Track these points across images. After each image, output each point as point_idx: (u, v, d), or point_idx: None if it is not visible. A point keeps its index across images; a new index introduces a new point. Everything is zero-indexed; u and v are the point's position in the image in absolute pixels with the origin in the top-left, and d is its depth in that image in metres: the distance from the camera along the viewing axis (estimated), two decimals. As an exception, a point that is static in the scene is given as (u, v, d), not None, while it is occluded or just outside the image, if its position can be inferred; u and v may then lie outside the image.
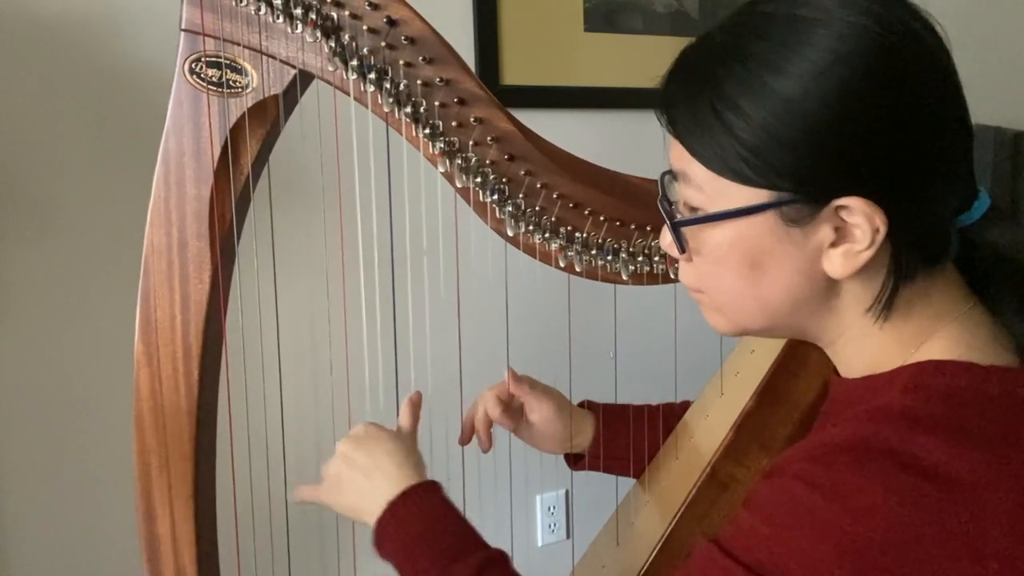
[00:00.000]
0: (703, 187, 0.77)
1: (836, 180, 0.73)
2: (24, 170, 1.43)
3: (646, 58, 1.93)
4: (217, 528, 1.08)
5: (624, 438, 1.20)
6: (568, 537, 2.00)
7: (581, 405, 1.23)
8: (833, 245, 0.75)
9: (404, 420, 1.05)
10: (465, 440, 1.17)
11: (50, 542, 1.52)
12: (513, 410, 1.18)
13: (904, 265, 0.76)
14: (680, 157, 0.79)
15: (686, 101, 0.78)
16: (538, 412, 1.18)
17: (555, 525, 2.01)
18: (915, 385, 0.75)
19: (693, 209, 0.79)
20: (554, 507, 2.00)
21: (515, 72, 1.76)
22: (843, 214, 0.74)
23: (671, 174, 0.83)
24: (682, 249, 0.81)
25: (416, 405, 1.06)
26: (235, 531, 1.05)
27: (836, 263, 0.76)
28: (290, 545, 1.11)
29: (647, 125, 1.88)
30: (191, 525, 1.03)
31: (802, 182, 0.73)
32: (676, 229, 0.80)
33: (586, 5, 1.86)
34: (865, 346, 0.81)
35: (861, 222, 0.73)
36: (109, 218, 1.49)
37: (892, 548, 0.67)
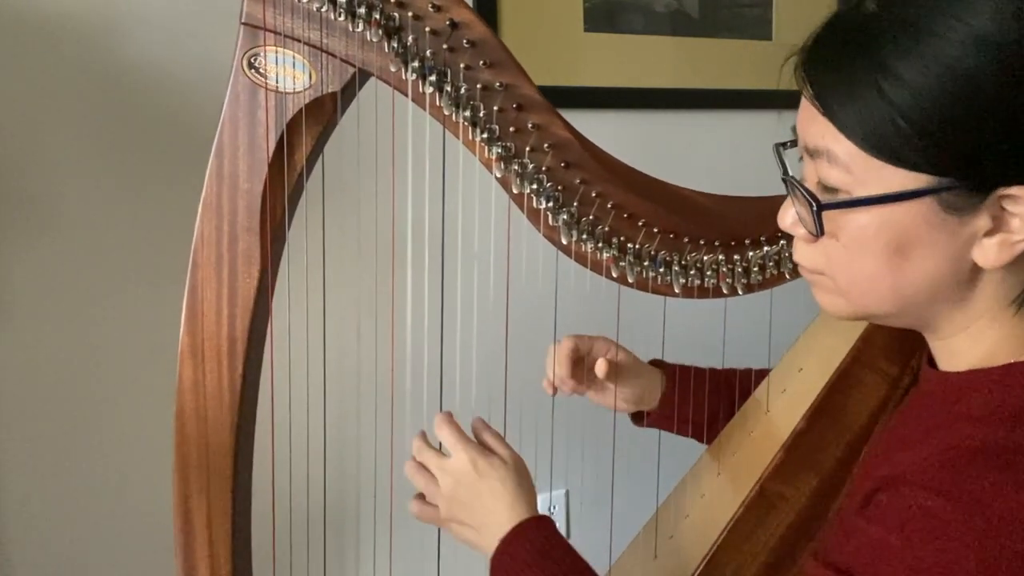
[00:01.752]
0: (851, 167, 0.72)
1: (1006, 166, 0.69)
2: (24, 170, 1.43)
3: (646, 58, 1.92)
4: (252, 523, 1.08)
5: (696, 400, 1.19)
6: (568, 537, 1.98)
7: (654, 363, 1.22)
8: (988, 234, 0.71)
9: (503, 451, 1.02)
10: (552, 390, 1.17)
11: (50, 542, 1.52)
12: (586, 366, 1.17)
13: None
14: (822, 134, 0.73)
15: (839, 72, 0.72)
16: (615, 371, 1.16)
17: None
18: None
19: (831, 189, 0.75)
20: (554, 507, 1.99)
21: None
22: (1005, 203, 0.70)
23: (785, 147, 0.80)
24: (821, 232, 0.76)
25: (492, 431, 1.04)
26: (272, 527, 1.05)
27: (990, 253, 0.72)
28: (326, 542, 1.11)
29: (647, 125, 1.89)
30: (228, 519, 1.03)
31: (969, 167, 0.69)
32: (819, 213, 0.75)
33: (586, 5, 1.85)
34: (985, 338, 0.77)
35: None
36: (110, 218, 1.49)
37: None
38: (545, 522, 0.97)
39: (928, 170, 0.70)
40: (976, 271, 0.74)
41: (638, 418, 1.24)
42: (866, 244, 0.74)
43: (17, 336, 1.46)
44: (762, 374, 1.19)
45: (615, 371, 1.17)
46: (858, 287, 0.77)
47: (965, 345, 0.79)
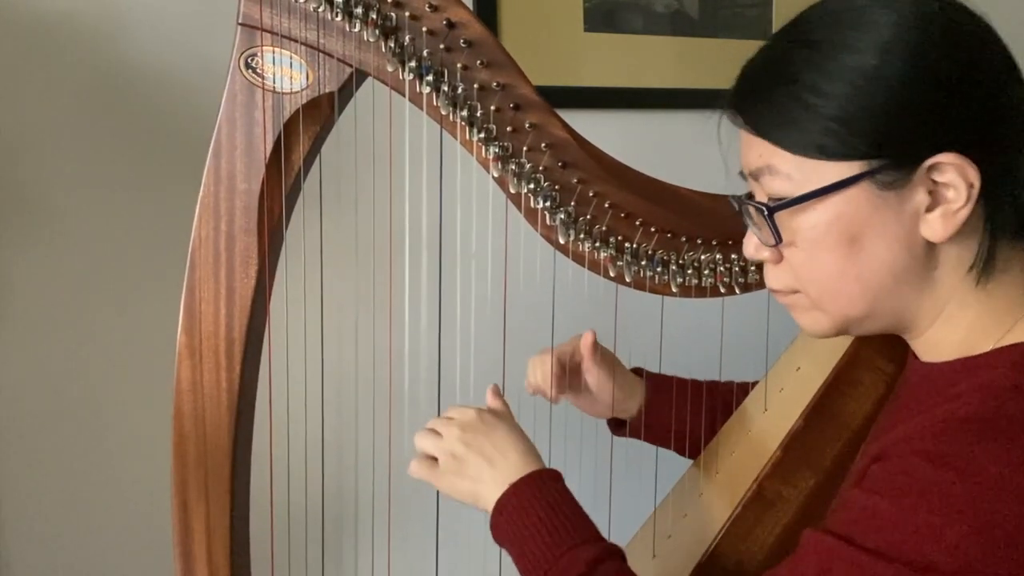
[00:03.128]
0: (791, 174, 0.79)
1: (924, 138, 0.75)
2: (23, 170, 1.43)
3: (646, 58, 1.92)
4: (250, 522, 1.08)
5: (670, 409, 1.19)
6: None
7: (634, 371, 1.23)
8: (929, 209, 0.77)
9: (502, 408, 1.03)
10: (532, 391, 1.18)
11: (49, 542, 1.52)
12: (570, 370, 1.18)
13: (1000, 220, 0.78)
14: (762, 154, 0.81)
15: (765, 97, 0.81)
16: (592, 375, 1.18)
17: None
18: None
19: (779, 200, 0.80)
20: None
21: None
22: (935, 175, 0.76)
23: (747, 175, 0.85)
24: (779, 238, 0.81)
25: (500, 396, 1.05)
26: (270, 527, 1.05)
27: (936, 226, 0.77)
28: (324, 541, 1.11)
29: (647, 125, 1.89)
30: (226, 519, 1.03)
31: (892, 146, 0.76)
32: (771, 217, 0.80)
33: (586, 5, 1.85)
34: (961, 322, 0.81)
35: (954, 179, 0.75)
36: (109, 218, 1.49)
37: None
38: (557, 476, 0.97)
39: (858, 157, 0.77)
40: (930, 250, 0.79)
41: (618, 426, 1.24)
42: (821, 241, 0.79)
43: (16, 336, 1.46)
44: (744, 388, 1.20)
45: (598, 358, 1.18)
46: (827, 291, 0.82)
47: (943, 334, 0.83)
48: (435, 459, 1.00)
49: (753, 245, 0.86)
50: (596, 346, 1.18)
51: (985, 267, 0.79)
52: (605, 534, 0.93)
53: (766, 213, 0.81)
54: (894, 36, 0.76)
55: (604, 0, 1.87)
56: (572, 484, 0.96)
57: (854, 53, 0.76)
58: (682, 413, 1.18)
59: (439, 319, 1.06)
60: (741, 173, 0.87)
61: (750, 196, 0.87)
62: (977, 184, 0.75)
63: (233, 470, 1.02)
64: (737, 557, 0.95)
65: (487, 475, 0.96)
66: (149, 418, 1.43)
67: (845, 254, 0.79)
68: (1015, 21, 0.81)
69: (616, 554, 0.92)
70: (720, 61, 2.07)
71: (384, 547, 1.42)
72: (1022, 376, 0.74)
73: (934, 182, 0.76)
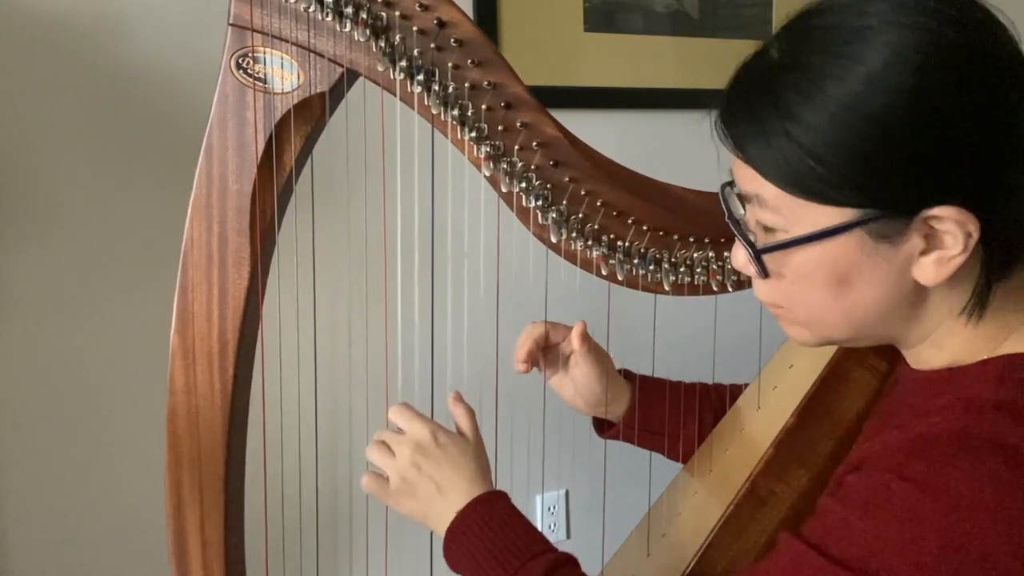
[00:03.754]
0: (780, 209, 0.76)
1: (921, 190, 0.71)
2: (22, 171, 1.43)
3: (646, 58, 1.93)
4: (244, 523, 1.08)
5: (660, 412, 1.18)
6: (568, 537, 2.00)
7: (620, 372, 1.21)
8: (924, 253, 0.74)
9: (465, 421, 1.03)
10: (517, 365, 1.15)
11: (45, 542, 1.52)
12: (558, 355, 1.16)
13: (998, 265, 0.75)
14: (751, 179, 0.77)
15: (750, 121, 0.76)
16: (580, 368, 1.15)
17: (555, 525, 2.01)
18: (1010, 377, 0.74)
19: (769, 230, 0.78)
20: (554, 507, 1.99)
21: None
22: (933, 222, 0.72)
23: (732, 187, 0.82)
24: (765, 274, 0.80)
25: (463, 402, 1.04)
26: (264, 526, 1.05)
27: (928, 271, 0.74)
28: (319, 543, 1.11)
29: (647, 125, 1.89)
30: (220, 519, 1.03)
31: (886, 197, 0.72)
32: (758, 256, 0.79)
33: (586, 5, 1.85)
34: (949, 344, 0.80)
35: (953, 229, 0.72)
36: (110, 217, 1.49)
37: (999, 543, 0.66)
38: (502, 497, 0.97)
39: (851, 204, 0.73)
40: (921, 288, 0.77)
41: (601, 427, 1.23)
42: (810, 278, 0.77)
43: (13, 336, 1.46)
44: (737, 390, 1.19)
45: (585, 350, 1.16)
46: (814, 318, 0.81)
47: (929, 353, 0.82)
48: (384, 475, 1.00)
49: (742, 259, 0.83)
50: (587, 337, 1.16)
51: (977, 307, 0.77)
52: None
53: (751, 253, 0.79)
54: (883, 66, 0.70)
55: (604, 0, 1.87)
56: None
57: (840, 83, 0.71)
58: (670, 416, 1.17)
59: (432, 318, 1.06)
60: (731, 170, 0.83)
61: (736, 196, 0.84)
62: (976, 235, 0.71)
63: (227, 471, 1.02)
64: (731, 555, 0.95)
65: (436, 502, 0.97)
66: (144, 419, 1.43)
67: (833, 292, 0.77)
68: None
69: (568, 561, 0.92)
70: (720, 61, 2.07)
71: (379, 546, 1.42)
72: (1003, 392, 0.73)
73: (931, 227, 0.72)
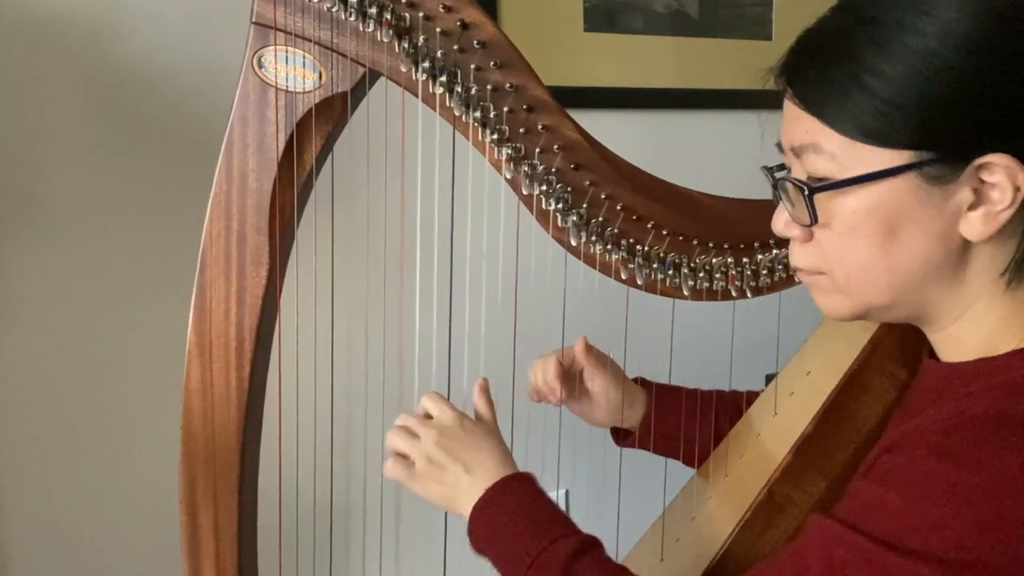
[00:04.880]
0: (836, 155, 0.77)
1: (978, 136, 0.73)
2: (28, 170, 1.43)
3: (646, 58, 1.92)
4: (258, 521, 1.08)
5: (676, 418, 1.19)
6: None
7: (635, 381, 1.22)
8: (971, 208, 0.75)
9: (485, 411, 1.04)
10: (536, 398, 1.17)
11: (50, 542, 1.52)
12: (569, 376, 1.17)
13: None
14: (808, 130, 0.78)
15: (819, 72, 0.77)
16: (596, 381, 1.17)
17: (555, 525, 1.99)
18: None
19: (820, 180, 0.78)
20: (553, 508, 1.98)
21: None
22: (983, 174, 0.74)
23: (786, 149, 0.83)
24: (815, 219, 0.79)
25: (487, 393, 1.05)
26: (279, 525, 1.05)
27: (975, 225, 0.75)
28: (332, 541, 1.11)
29: (647, 125, 1.88)
30: (234, 517, 1.03)
31: (944, 139, 0.73)
32: (811, 198, 0.78)
33: (586, 5, 1.85)
34: (985, 321, 0.80)
35: (1002, 180, 0.73)
36: (114, 218, 1.49)
37: None
38: (531, 479, 0.98)
39: (908, 146, 0.74)
40: (965, 248, 0.77)
41: (620, 436, 1.23)
42: (858, 228, 0.78)
43: (22, 336, 1.46)
44: (753, 396, 1.19)
45: (594, 361, 1.17)
46: (855, 278, 0.80)
47: (966, 331, 0.81)
48: (410, 460, 1.00)
49: (783, 221, 0.83)
50: (591, 349, 1.17)
51: (1018, 270, 0.78)
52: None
53: (806, 193, 0.78)
54: (959, 18, 0.73)
55: (604, 0, 1.87)
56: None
57: (916, 35, 0.73)
58: (686, 422, 1.17)
59: (449, 320, 1.06)
60: (779, 145, 0.84)
61: (781, 167, 0.85)
62: None
63: (241, 469, 1.02)
64: (747, 561, 0.95)
65: (464, 482, 0.97)
66: (158, 417, 1.43)
67: (880, 243, 0.77)
68: None
69: (595, 544, 0.93)
70: (720, 61, 2.09)
71: (392, 547, 1.42)
72: None
73: (981, 180, 0.74)
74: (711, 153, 1.91)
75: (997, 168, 0.73)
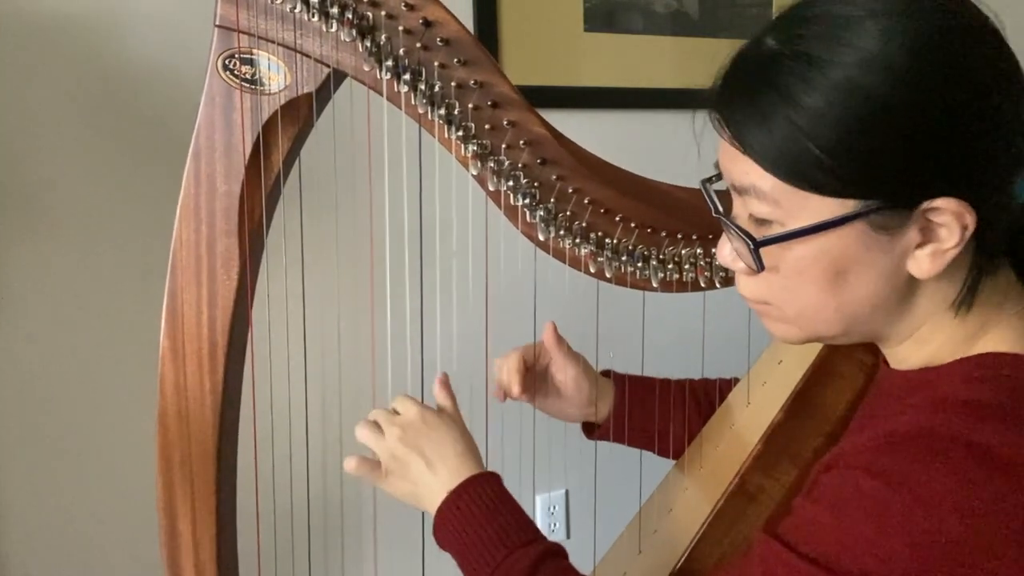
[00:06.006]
0: (779, 200, 0.75)
1: (922, 181, 0.72)
2: (19, 170, 1.43)
3: (646, 58, 1.93)
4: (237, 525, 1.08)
5: (646, 410, 1.18)
6: (568, 537, 2.00)
7: (604, 374, 1.21)
8: (919, 246, 0.74)
9: (447, 403, 1.04)
10: (502, 396, 1.16)
11: (50, 542, 1.52)
12: (538, 372, 1.16)
13: (988, 257, 0.76)
14: (746, 171, 0.76)
15: (750, 110, 0.75)
16: (568, 371, 1.16)
17: (555, 525, 2.01)
18: (979, 376, 0.75)
19: (763, 223, 0.77)
20: (554, 507, 2.00)
21: (515, 72, 1.73)
22: (930, 215, 0.72)
23: (712, 182, 0.83)
24: (761, 267, 0.78)
25: (448, 386, 1.05)
26: (256, 528, 1.05)
27: (923, 264, 0.74)
28: (311, 544, 1.11)
29: (647, 125, 1.89)
30: (212, 521, 1.03)
31: (890, 188, 0.72)
32: (757, 250, 0.77)
33: (586, 5, 1.86)
34: (932, 340, 0.80)
35: (949, 221, 0.72)
36: (104, 218, 1.49)
37: (966, 539, 0.66)
38: (495, 478, 0.98)
39: (853, 195, 0.72)
40: (913, 282, 0.77)
41: (589, 430, 1.22)
42: (805, 273, 0.77)
43: (16, 335, 1.46)
44: (726, 384, 1.20)
45: (565, 350, 1.16)
46: (804, 315, 0.80)
47: (911, 350, 0.82)
48: (376, 458, 1.01)
49: (728, 254, 0.82)
50: (560, 341, 1.16)
51: (966, 301, 0.78)
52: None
53: (751, 247, 0.77)
54: (882, 49, 0.70)
55: (604, 0, 1.87)
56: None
57: (842, 68, 0.71)
58: (660, 413, 1.17)
59: (421, 318, 1.06)
60: (716, 164, 0.83)
61: (719, 177, 0.84)
62: (972, 227, 0.72)
63: (219, 472, 1.02)
64: (721, 550, 0.96)
65: (426, 479, 0.97)
66: (136, 420, 1.43)
67: (828, 287, 0.76)
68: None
69: (558, 553, 0.93)
70: (720, 61, 2.08)
71: (371, 549, 1.42)
72: (973, 390, 0.73)
73: (928, 220, 0.73)
74: (711, 153, 1.91)
75: (945, 211, 0.72)
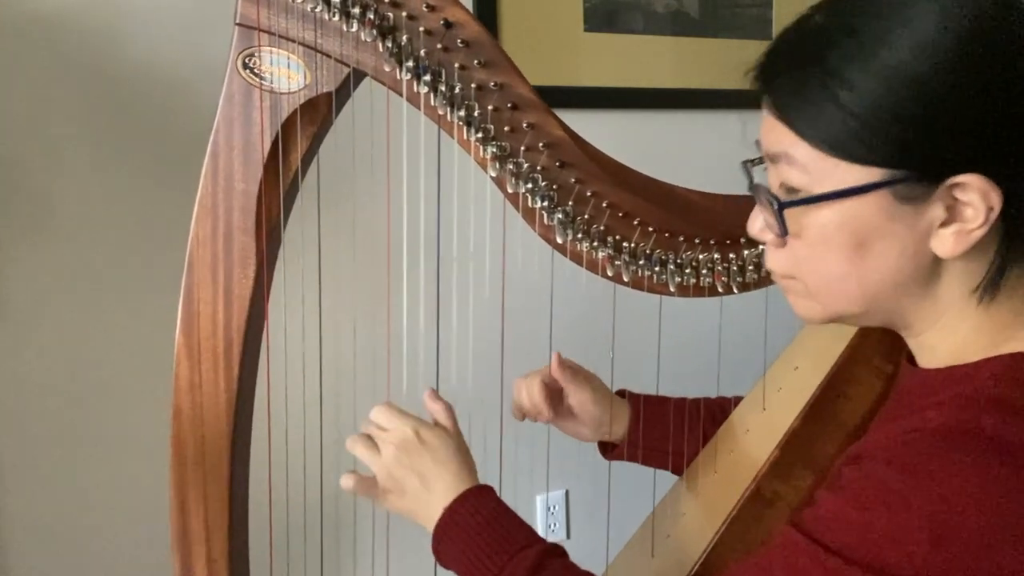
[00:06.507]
0: (808, 167, 0.76)
1: (953, 157, 0.72)
2: (23, 170, 1.43)
3: (646, 58, 1.93)
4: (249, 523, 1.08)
5: (662, 429, 1.19)
6: (568, 537, 2.00)
7: (619, 393, 1.22)
8: (943, 224, 0.74)
9: (443, 416, 1.03)
10: (521, 417, 1.17)
11: (50, 542, 1.52)
12: (554, 393, 1.17)
13: (1014, 242, 0.76)
14: (781, 139, 0.77)
15: (792, 81, 0.76)
16: (574, 396, 1.17)
17: (555, 525, 2.01)
18: (1009, 375, 0.74)
19: (792, 190, 0.78)
20: (554, 507, 2.00)
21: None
22: (956, 192, 0.73)
23: (761, 160, 0.83)
24: (784, 231, 0.79)
25: (440, 399, 1.04)
26: (269, 526, 1.05)
27: (947, 243, 0.74)
28: (323, 542, 1.11)
29: (647, 125, 1.89)
30: (225, 519, 1.03)
31: (917, 158, 0.72)
32: (781, 211, 0.78)
33: (586, 5, 1.86)
34: (957, 331, 0.80)
35: (975, 200, 0.72)
36: (108, 218, 1.49)
37: (988, 535, 0.67)
38: (489, 491, 0.98)
39: (880, 164, 0.73)
40: (937, 263, 0.77)
41: (606, 449, 1.23)
42: (829, 241, 0.77)
43: (14, 336, 1.46)
44: (739, 400, 1.19)
45: (569, 376, 1.17)
46: (826, 288, 0.80)
47: (938, 340, 0.81)
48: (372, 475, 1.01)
49: (758, 226, 0.83)
50: (564, 365, 1.17)
51: (990, 287, 0.77)
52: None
53: (775, 207, 0.78)
54: (935, 35, 0.71)
55: (604, 0, 1.87)
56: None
57: (891, 49, 0.72)
58: (672, 433, 1.17)
59: (437, 318, 1.06)
60: (757, 143, 0.83)
61: (761, 161, 0.85)
62: (998, 207, 0.72)
63: (232, 470, 1.02)
64: (735, 556, 0.95)
65: (423, 498, 0.98)
66: (148, 417, 1.43)
67: (849, 257, 0.77)
68: None
69: (557, 553, 0.93)
70: (720, 61, 2.09)
71: (383, 548, 1.42)
72: (1001, 389, 0.73)
73: (954, 198, 0.73)
74: (710, 153, 1.91)
75: (970, 188, 0.72)
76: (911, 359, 0.87)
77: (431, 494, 0.97)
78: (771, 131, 0.79)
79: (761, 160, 0.85)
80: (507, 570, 0.91)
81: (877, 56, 0.72)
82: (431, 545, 0.97)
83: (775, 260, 0.83)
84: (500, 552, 0.92)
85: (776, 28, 2.01)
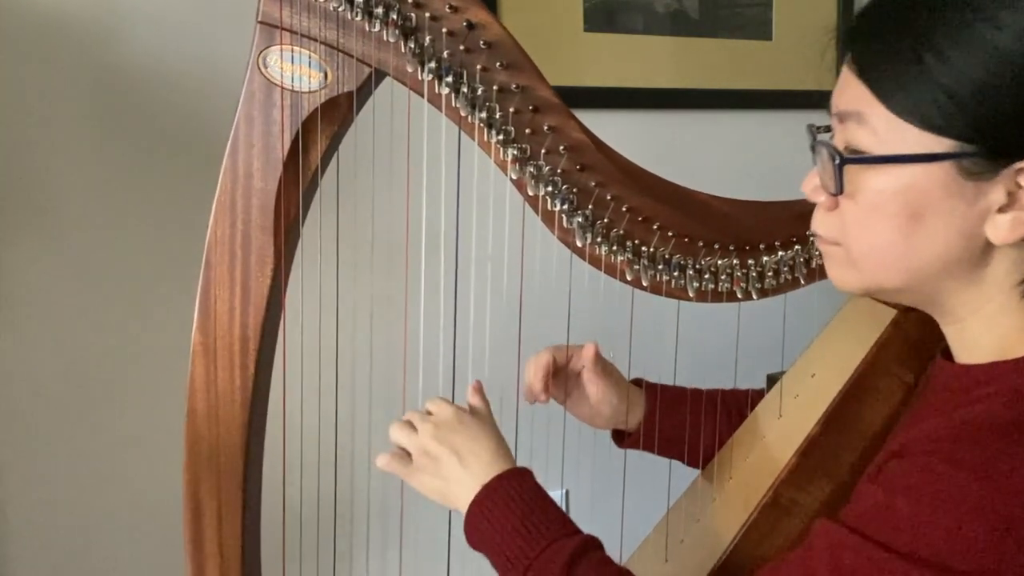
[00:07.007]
0: (878, 130, 0.75)
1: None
2: (30, 170, 1.43)
3: (646, 58, 1.92)
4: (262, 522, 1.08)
5: (677, 420, 1.18)
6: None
7: (635, 383, 1.21)
8: (1002, 210, 0.74)
9: (480, 405, 1.03)
10: (531, 399, 1.15)
11: (51, 543, 1.52)
12: (568, 377, 1.16)
13: None
14: (857, 98, 0.77)
15: (883, 42, 0.76)
16: (595, 385, 1.16)
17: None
18: None
19: (857, 152, 0.77)
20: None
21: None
22: (1021, 178, 0.73)
23: (832, 112, 0.82)
24: (840, 189, 0.78)
25: (482, 392, 1.04)
26: (283, 524, 1.05)
27: (1002, 228, 0.74)
28: (336, 541, 1.11)
29: (647, 125, 1.88)
30: (238, 518, 1.03)
31: (991, 136, 0.72)
32: (841, 167, 0.77)
33: (586, 5, 1.85)
34: (999, 324, 0.79)
35: None
36: (116, 218, 1.49)
37: None
38: (528, 473, 0.97)
39: (952, 135, 0.73)
40: (987, 249, 0.76)
41: (619, 438, 1.23)
42: (882, 207, 0.77)
43: (29, 335, 1.46)
44: (758, 395, 1.19)
45: (599, 370, 1.16)
46: (870, 256, 0.79)
47: (979, 331, 0.81)
48: (408, 454, 1.00)
49: (812, 185, 0.82)
50: (599, 358, 1.16)
51: None
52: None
53: (837, 162, 0.77)
54: None
55: (604, 0, 1.87)
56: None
57: (997, 29, 0.71)
58: (686, 423, 1.17)
59: (454, 320, 1.06)
60: (828, 108, 0.83)
61: (828, 129, 0.84)
62: None
63: (246, 470, 1.02)
64: (751, 564, 0.95)
65: (458, 475, 0.96)
66: (159, 417, 1.43)
67: (900, 227, 0.76)
68: None
69: (595, 545, 0.92)
70: (720, 61, 2.09)
71: (395, 547, 1.42)
72: None
73: (1017, 184, 0.73)
74: (711, 153, 1.92)
75: None
76: (944, 354, 0.86)
77: (466, 471, 0.96)
78: (847, 89, 0.78)
79: (827, 128, 0.84)
80: (541, 559, 0.90)
81: (981, 36, 0.72)
82: (463, 524, 0.95)
83: (823, 223, 0.83)
84: (538, 538, 0.91)
85: (776, 28, 2.00)
